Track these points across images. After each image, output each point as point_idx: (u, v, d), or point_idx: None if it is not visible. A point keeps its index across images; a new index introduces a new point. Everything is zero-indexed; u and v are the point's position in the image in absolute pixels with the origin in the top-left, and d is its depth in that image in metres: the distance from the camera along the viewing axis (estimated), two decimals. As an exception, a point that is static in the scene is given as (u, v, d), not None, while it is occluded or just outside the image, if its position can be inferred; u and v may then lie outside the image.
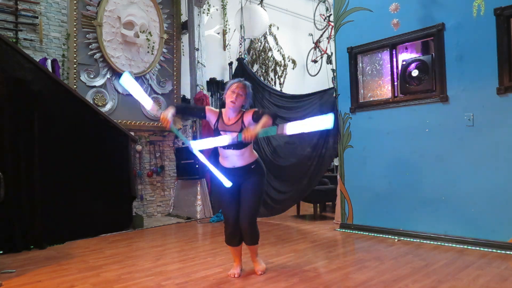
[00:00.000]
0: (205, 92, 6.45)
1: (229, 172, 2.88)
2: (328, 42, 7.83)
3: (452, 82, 3.80)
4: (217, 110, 2.95)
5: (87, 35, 5.63)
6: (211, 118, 2.91)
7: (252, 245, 2.98)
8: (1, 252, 3.93)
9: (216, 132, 2.88)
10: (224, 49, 7.57)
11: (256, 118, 2.76)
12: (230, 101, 2.80)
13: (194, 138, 6.46)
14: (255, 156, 2.97)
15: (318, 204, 5.78)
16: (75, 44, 5.49)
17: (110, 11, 5.82)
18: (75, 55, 5.49)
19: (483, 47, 3.58)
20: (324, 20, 8.00)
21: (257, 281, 2.84)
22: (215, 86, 7.02)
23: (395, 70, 4.25)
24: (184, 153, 6.21)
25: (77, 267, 3.37)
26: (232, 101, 2.80)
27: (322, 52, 8.29)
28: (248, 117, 2.81)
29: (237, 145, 2.79)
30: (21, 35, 5.05)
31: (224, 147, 2.84)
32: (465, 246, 3.62)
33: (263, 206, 5.58)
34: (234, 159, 2.88)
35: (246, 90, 2.87)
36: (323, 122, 2.47)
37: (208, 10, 6.90)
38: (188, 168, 6.10)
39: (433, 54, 3.93)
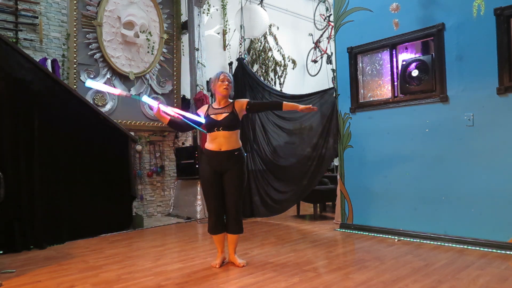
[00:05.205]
0: (205, 92, 6.45)
1: (214, 155, 3.11)
2: (328, 42, 7.84)
3: (452, 82, 3.80)
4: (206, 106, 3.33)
5: (87, 35, 5.63)
6: (202, 112, 3.25)
7: (236, 234, 3.20)
8: (1, 252, 3.94)
9: (207, 118, 3.16)
10: (224, 49, 7.57)
11: (250, 108, 3.17)
12: (223, 89, 3.13)
13: (195, 138, 6.48)
14: (240, 144, 3.20)
15: (318, 204, 5.78)
16: (75, 44, 5.49)
17: (110, 11, 5.82)
18: (75, 55, 5.49)
19: (483, 47, 3.58)
20: (324, 20, 8.00)
21: (257, 281, 2.84)
22: (215, 86, 7.01)
23: (395, 70, 4.25)
24: (184, 153, 6.22)
25: (77, 267, 3.37)
26: (226, 88, 3.13)
27: (322, 52, 8.29)
28: (239, 105, 3.16)
29: (228, 126, 3.07)
30: (21, 35, 5.05)
31: (215, 128, 3.08)
32: (465, 246, 3.62)
33: (263, 206, 5.58)
34: (222, 141, 3.09)
35: (232, 79, 3.24)
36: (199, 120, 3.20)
37: (208, 10, 6.90)
38: (188, 168, 6.10)
39: (433, 54, 3.93)
